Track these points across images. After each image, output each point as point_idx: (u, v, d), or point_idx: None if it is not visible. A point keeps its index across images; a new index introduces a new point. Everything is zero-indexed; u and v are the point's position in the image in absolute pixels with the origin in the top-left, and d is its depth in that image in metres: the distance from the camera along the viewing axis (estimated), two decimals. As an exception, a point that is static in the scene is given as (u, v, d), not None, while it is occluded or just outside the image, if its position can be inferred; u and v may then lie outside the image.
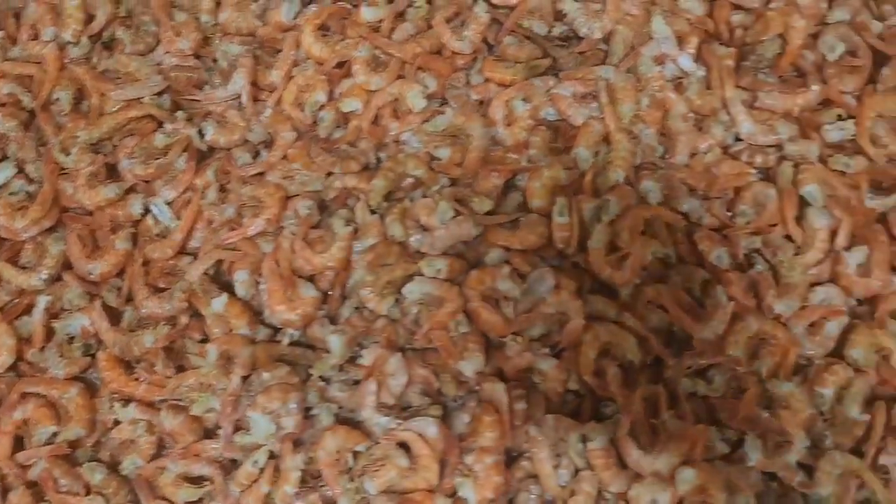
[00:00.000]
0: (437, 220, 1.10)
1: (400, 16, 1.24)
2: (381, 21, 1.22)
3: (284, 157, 1.18)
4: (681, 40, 1.22)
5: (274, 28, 1.24)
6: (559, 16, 1.25)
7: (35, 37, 1.27)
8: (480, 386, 1.06)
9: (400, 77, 1.21)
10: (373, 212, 1.14)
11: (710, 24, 1.24)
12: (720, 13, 1.25)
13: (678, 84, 1.21)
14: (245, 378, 1.07)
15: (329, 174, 1.16)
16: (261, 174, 1.18)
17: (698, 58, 1.22)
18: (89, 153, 1.18)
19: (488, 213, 1.13)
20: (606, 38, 1.23)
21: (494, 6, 1.24)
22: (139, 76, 1.22)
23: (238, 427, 1.05)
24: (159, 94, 1.22)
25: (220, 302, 1.09)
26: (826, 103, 1.20)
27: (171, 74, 1.24)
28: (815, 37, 1.24)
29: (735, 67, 1.21)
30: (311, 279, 1.13)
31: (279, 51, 1.24)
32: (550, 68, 1.21)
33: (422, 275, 1.09)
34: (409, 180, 1.16)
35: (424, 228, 1.12)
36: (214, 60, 1.25)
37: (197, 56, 1.25)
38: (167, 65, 1.25)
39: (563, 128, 1.18)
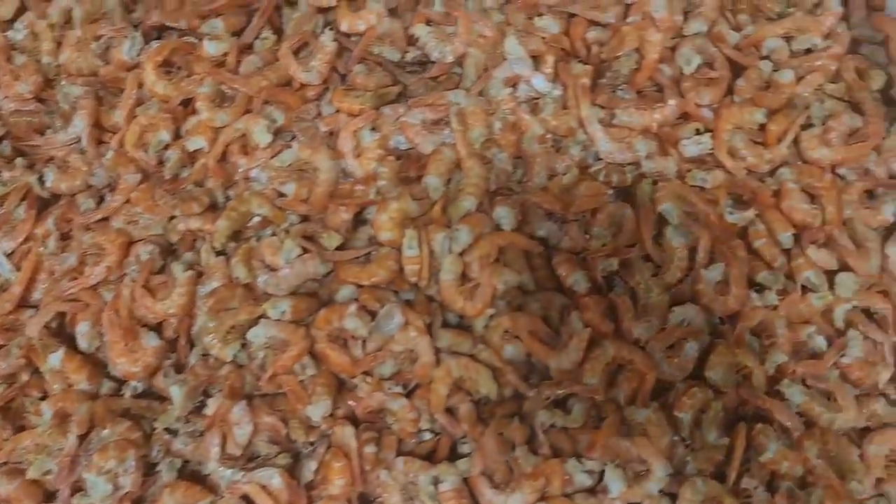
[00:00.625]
0: (282, 260, 1.07)
1: (248, 48, 1.20)
2: (225, 55, 1.17)
3: (128, 201, 1.13)
4: (537, 60, 1.20)
5: (116, 67, 1.20)
6: (412, 41, 1.21)
7: None
8: (331, 430, 1.01)
9: (248, 112, 1.16)
10: (219, 253, 1.09)
11: (566, 42, 1.22)
12: (576, 30, 1.22)
13: (535, 105, 1.18)
14: (84, 436, 1.02)
15: (172, 217, 1.11)
16: (105, 220, 1.13)
17: (555, 77, 1.19)
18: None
19: (339, 249, 1.09)
20: (460, 62, 1.20)
21: (344, 34, 1.20)
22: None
23: (77, 488, 1.00)
24: (-2, 140, 1.17)
25: (56, 357, 1.04)
26: (684, 118, 1.18)
27: (11, 120, 1.18)
28: (673, 49, 1.21)
29: (591, 85, 1.18)
30: (157, 327, 1.08)
31: (123, 90, 1.19)
32: (401, 95, 1.17)
33: (267, 317, 1.05)
34: (257, 219, 1.11)
35: (271, 268, 1.07)
36: (57, 103, 1.20)
37: (40, 100, 1.20)
38: (6, 110, 1.20)
39: (414, 156, 1.14)
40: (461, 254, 1.08)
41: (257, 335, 1.05)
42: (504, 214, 1.10)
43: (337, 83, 1.20)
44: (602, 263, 1.09)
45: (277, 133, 1.16)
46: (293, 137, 1.17)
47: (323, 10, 1.22)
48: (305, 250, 1.08)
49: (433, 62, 1.22)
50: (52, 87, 1.23)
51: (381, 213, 1.09)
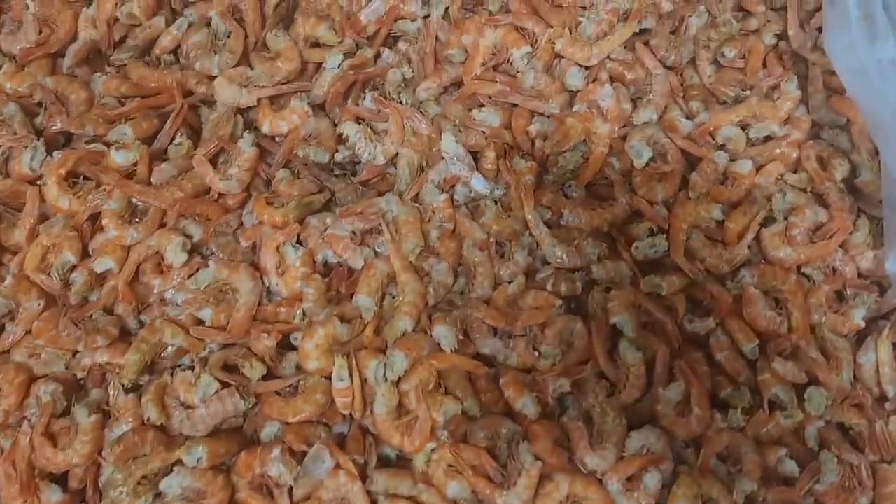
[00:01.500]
0: (198, 397, 0.96)
1: (162, 154, 1.10)
2: (135, 164, 1.07)
3: (28, 332, 1.02)
4: (477, 156, 1.11)
5: (16, 180, 1.09)
6: (341, 139, 1.12)
7: None
8: (254, 592, 0.91)
9: (162, 226, 1.06)
10: (130, 390, 0.99)
11: (508, 136, 1.13)
12: (517, 123, 1.14)
13: (475, 207, 1.09)
14: None
15: (76, 351, 1.00)
16: (3, 353, 1.02)
17: (496, 174, 1.10)
18: None
19: (263, 379, 0.99)
20: (393, 162, 1.10)
21: (266, 136, 1.10)
22: None
23: None
24: None
25: (-58, 521, 0.92)
26: (637, 216, 1.09)
27: None
28: (623, 140, 1.13)
29: (536, 183, 1.09)
30: (62, 476, 0.97)
31: (24, 205, 1.08)
32: (329, 202, 1.08)
33: (182, 464, 0.94)
34: (171, 349, 1.01)
35: (186, 406, 0.97)
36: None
37: (-70, 217, 1.09)
38: None
39: (343, 272, 1.04)
40: (397, 382, 0.98)
41: (171, 486, 0.94)
42: (444, 333, 1.00)
43: (260, 189, 1.10)
44: (553, 384, 0.99)
45: (194, 249, 1.05)
46: (211, 254, 1.07)
47: (242, 111, 1.11)
48: (224, 384, 0.97)
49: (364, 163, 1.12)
50: (-57, 202, 1.11)
51: (307, 340, 0.99)
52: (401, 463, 0.99)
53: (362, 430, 0.99)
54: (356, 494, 0.93)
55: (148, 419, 0.97)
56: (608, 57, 1.16)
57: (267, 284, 1.05)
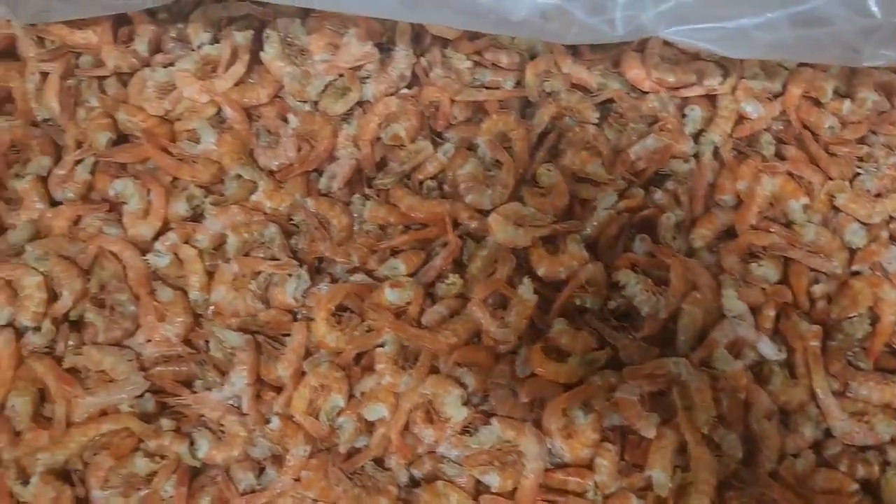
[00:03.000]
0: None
1: (428, 293, 1.04)
2: (408, 304, 1.01)
3: (297, 480, 0.96)
4: (755, 312, 1.05)
5: (278, 311, 1.03)
6: (615, 287, 1.06)
7: (-18, 321, 1.04)
8: None
9: (433, 371, 1.00)
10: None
11: (788, 294, 1.07)
12: (798, 281, 1.08)
13: (758, 373, 1.03)
14: None
15: (352, 507, 0.94)
16: None
17: (774, 333, 1.04)
18: (54, 482, 0.95)
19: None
20: (672, 317, 1.05)
21: (539, 280, 1.04)
22: (114, 375, 1.00)
23: None
24: (139, 395, 1.00)
25: None
26: (932, 392, 1.03)
27: (155, 370, 1.01)
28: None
29: (821, 349, 1.03)
30: None
31: (285, 335, 1.03)
32: (611, 359, 1.02)
33: None
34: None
35: None
36: (207, 348, 1.03)
37: (187, 342, 1.03)
38: (148, 356, 1.03)
39: (633, 441, 0.98)
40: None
41: None
42: (741, 517, 0.94)
43: (528, 337, 1.04)
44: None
45: (469, 399, 0.99)
46: (481, 401, 1.01)
47: (514, 250, 1.06)
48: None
49: (636, 313, 1.06)
50: (198, 326, 1.05)
51: (607, 524, 0.92)
52: None
53: None
54: None
55: None
56: (890, 216, 1.11)
57: (549, 446, 0.98)
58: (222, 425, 1.00)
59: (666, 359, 1.01)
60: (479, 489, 0.97)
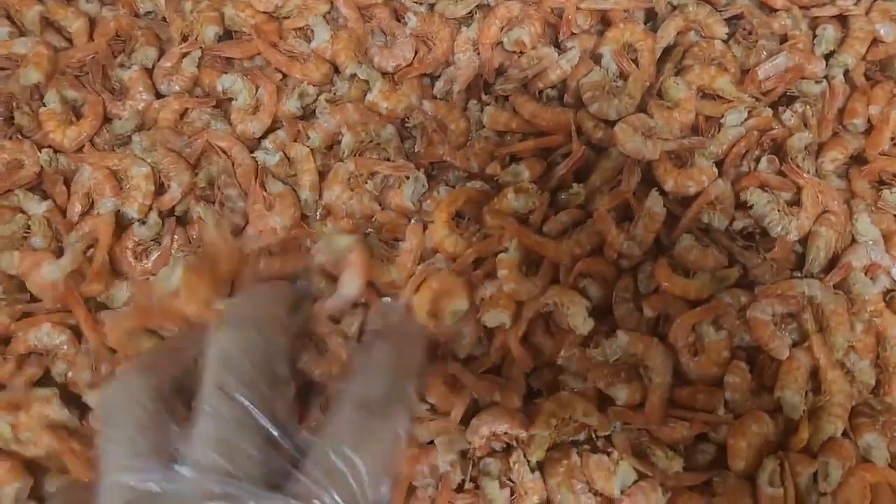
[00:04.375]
0: (617, 487, 0.86)
1: (551, 205, 1.00)
2: (531, 211, 0.97)
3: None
4: (886, 241, 1.00)
5: (396, 213, 0.99)
6: (742, 205, 1.01)
7: (89, 208, 1.00)
8: None
9: (554, 281, 0.96)
10: (533, 469, 0.89)
11: (920, 222, 1.02)
12: (931, 211, 1.03)
13: (890, 299, 0.99)
14: None
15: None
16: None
17: (905, 263, 1.00)
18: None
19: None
20: (802, 240, 1.00)
21: (664, 194, 1.00)
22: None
23: None
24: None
25: None
26: None
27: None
28: None
29: (956, 281, 0.99)
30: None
31: (397, 239, 0.99)
32: (740, 278, 0.98)
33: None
34: (573, 425, 0.91)
35: (598, 494, 0.87)
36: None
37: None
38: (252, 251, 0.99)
39: (761, 362, 0.94)
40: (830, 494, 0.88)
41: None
42: (875, 444, 0.90)
43: (652, 254, 1.00)
44: None
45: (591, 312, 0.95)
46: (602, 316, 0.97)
47: (639, 162, 1.01)
48: (642, 475, 0.88)
49: (766, 233, 1.02)
50: (306, 224, 1.02)
51: (738, 438, 0.89)
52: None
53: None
54: None
55: (559, 504, 0.87)
56: None
57: (672, 364, 0.94)
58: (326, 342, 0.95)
59: (799, 279, 0.97)
60: (602, 402, 0.93)
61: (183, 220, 1.02)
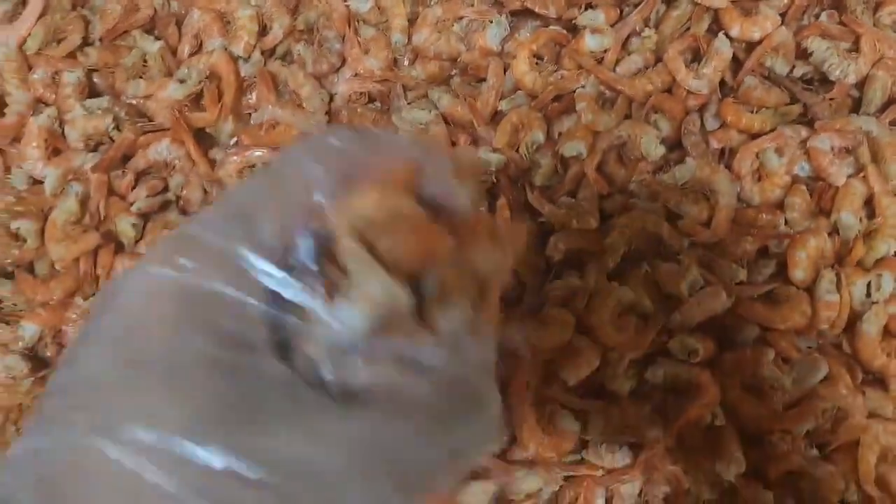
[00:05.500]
0: (686, 289, 0.95)
1: (622, 46, 1.07)
2: (605, 51, 1.05)
3: (502, 206, 1.01)
4: (936, 89, 1.07)
5: (480, 54, 1.07)
6: (802, 54, 1.08)
7: (198, 49, 1.09)
8: (740, 490, 0.90)
9: (626, 118, 1.04)
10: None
11: (973, 72, 1.08)
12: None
13: (941, 137, 1.05)
14: None
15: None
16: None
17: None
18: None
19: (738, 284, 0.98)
20: (860, 84, 1.07)
21: (732, 39, 1.07)
22: (307, 105, 1.05)
23: None
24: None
25: None
26: None
27: (343, 113, 1.06)
28: None
29: None
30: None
31: (480, 80, 1.07)
32: (800, 116, 1.05)
33: (671, 355, 0.93)
34: (643, 241, 0.99)
35: (667, 298, 0.96)
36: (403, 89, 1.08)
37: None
38: (342, 93, 1.07)
39: (820, 188, 1.01)
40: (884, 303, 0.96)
41: (657, 375, 0.93)
42: (923, 263, 0.98)
43: (717, 94, 1.08)
44: None
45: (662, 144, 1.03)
46: (671, 149, 1.05)
47: (707, 10, 1.08)
48: (708, 282, 0.96)
49: (823, 81, 1.08)
50: (396, 67, 1.10)
51: (798, 249, 0.97)
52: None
53: (835, 346, 0.97)
54: (857, 407, 0.91)
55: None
56: None
57: (738, 189, 1.02)
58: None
59: (856, 116, 1.04)
60: (672, 221, 1.00)
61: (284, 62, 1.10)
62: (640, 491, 0.92)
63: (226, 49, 1.08)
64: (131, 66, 1.06)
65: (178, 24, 1.11)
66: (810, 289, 0.97)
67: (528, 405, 0.92)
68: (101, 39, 1.10)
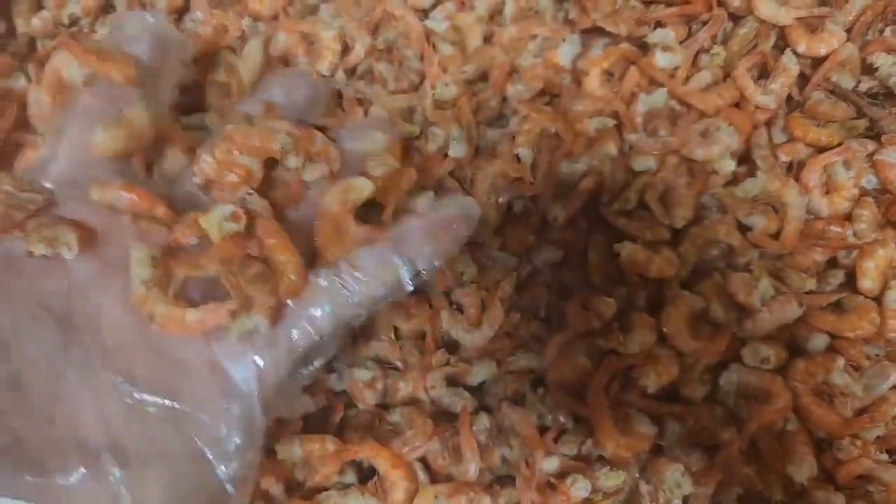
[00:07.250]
0: (757, 300, 0.98)
1: (692, 63, 1.11)
2: (676, 69, 1.09)
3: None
4: None
5: (553, 71, 1.12)
6: (868, 69, 1.11)
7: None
8: (811, 492, 0.94)
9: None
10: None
11: None
12: None
13: None
14: None
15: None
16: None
17: None
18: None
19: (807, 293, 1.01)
20: (923, 98, 1.10)
21: (798, 55, 1.10)
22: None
23: None
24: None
25: None
26: None
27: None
28: None
29: None
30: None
31: (555, 95, 1.12)
32: (867, 130, 1.08)
33: (742, 363, 0.97)
34: (714, 251, 1.03)
35: (741, 308, 1.00)
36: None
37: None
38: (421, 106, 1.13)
39: (887, 199, 1.05)
40: (950, 312, 0.98)
41: (730, 380, 0.97)
42: None
43: (783, 109, 1.11)
44: None
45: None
46: (740, 163, 1.09)
47: (774, 27, 1.12)
48: (778, 291, 1.00)
49: (888, 95, 1.11)
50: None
51: (867, 259, 1.00)
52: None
53: (899, 355, 1.00)
54: (926, 418, 0.94)
55: (713, 316, 1.00)
56: None
57: (806, 201, 1.05)
58: (501, 167, 1.09)
59: (921, 129, 1.07)
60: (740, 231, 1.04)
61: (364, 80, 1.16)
62: (714, 491, 0.96)
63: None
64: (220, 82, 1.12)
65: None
66: (879, 298, 1.00)
67: (607, 408, 0.96)
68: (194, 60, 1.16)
